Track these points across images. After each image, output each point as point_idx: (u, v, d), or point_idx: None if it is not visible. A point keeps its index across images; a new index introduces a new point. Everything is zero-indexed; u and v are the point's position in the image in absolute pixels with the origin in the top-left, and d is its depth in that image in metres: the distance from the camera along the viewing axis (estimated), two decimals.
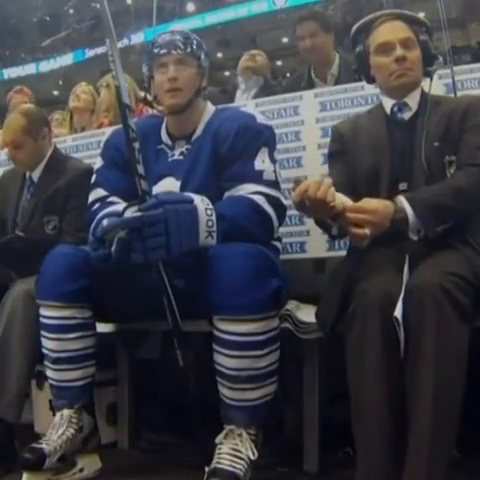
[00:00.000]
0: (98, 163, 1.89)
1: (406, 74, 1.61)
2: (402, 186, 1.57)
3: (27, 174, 2.29)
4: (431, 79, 1.68)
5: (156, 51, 1.77)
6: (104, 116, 3.36)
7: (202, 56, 1.81)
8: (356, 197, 1.62)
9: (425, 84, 1.69)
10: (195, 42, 1.80)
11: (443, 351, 1.25)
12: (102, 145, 1.96)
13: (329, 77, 3.01)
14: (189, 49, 1.77)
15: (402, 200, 1.45)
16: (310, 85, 2.96)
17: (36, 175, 2.27)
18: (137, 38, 14.26)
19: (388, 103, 1.68)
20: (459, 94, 1.96)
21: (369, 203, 1.43)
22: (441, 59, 1.74)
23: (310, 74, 3.04)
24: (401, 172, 1.59)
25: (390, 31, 1.64)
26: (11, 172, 2.42)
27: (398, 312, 1.29)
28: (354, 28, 1.75)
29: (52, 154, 2.29)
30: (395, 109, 1.66)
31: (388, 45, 1.62)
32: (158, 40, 1.79)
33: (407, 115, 1.65)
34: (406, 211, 1.44)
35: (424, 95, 1.66)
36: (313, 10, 3.24)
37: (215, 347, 1.51)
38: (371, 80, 1.75)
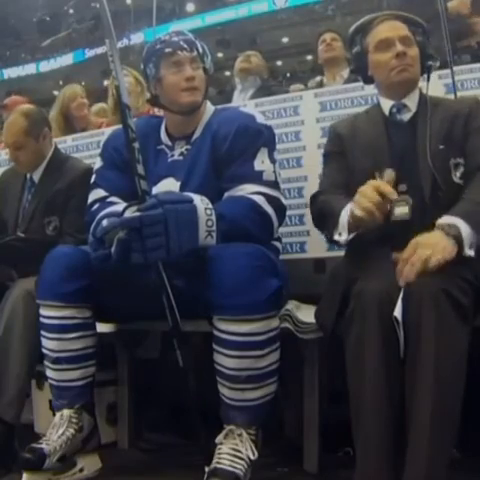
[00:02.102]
0: (97, 163, 1.89)
1: (407, 70, 1.61)
2: (401, 188, 1.55)
3: (28, 175, 2.29)
4: (428, 80, 1.68)
5: (167, 50, 1.75)
6: (112, 113, 3.33)
7: (207, 60, 1.81)
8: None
9: (423, 85, 1.68)
10: (200, 45, 1.80)
11: (443, 351, 1.25)
12: (101, 145, 1.96)
13: (338, 77, 3.09)
14: (196, 51, 1.77)
15: (450, 217, 1.38)
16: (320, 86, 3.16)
17: (37, 176, 2.26)
18: (137, 38, 14.26)
19: (386, 104, 1.67)
20: (459, 94, 1.97)
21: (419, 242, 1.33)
22: (438, 59, 1.73)
23: (322, 80, 3.22)
24: (401, 173, 1.58)
25: (390, 29, 1.65)
26: (11, 172, 2.41)
27: (398, 312, 1.29)
28: (352, 29, 1.75)
29: (53, 154, 2.29)
30: (394, 110, 1.66)
31: (388, 42, 1.62)
32: (166, 40, 1.78)
33: (406, 116, 1.65)
34: (458, 225, 1.35)
35: (423, 96, 1.66)
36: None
37: (215, 347, 1.51)
38: (369, 80, 1.74)
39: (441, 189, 1.52)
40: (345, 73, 3.22)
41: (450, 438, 1.26)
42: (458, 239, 1.34)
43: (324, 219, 1.60)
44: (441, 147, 1.55)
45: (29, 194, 2.27)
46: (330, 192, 1.63)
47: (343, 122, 1.79)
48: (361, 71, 1.74)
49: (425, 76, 1.68)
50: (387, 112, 1.67)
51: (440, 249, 1.31)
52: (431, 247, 1.31)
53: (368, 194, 1.39)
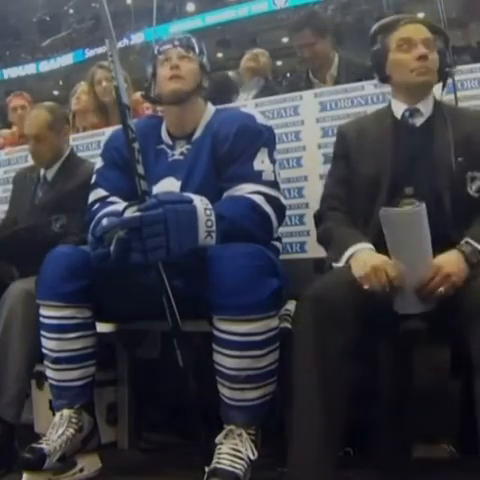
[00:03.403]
0: (98, 164, 1.90)
1: (427, 73, 1.61)
2: (408, 190, 1.56)
3: (41, 173, 2.33)
4: (443, 87, 1.68)
5: (160, 48, 1.81)
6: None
7: (204, 58, 1.84)
8: (356, 201, 1.64)
9: (436, 92, 1.68)
10: (197, 44, 1.83)
11: None
12: (102, 146, 1.96)
13: (328, 78, 3.02)
14: (191, 48, 1.81)
15: (472, 242, 1.43)
16: (308, 86, 2.95)
17: (50, 174, 2.31)
18: (137, 38, 14.26)
19: (399, 107, 1.67)
20: (459, 94, 1.97)
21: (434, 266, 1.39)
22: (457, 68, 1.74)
23: (308, 75, 3.04)
24: (407, 177, 1.58)
25: (413, 30, 1.65)
26: (25, 171, 2.46)
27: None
28: (374, 27, 1.73)
29: (69, 155, 2.35)
30: (407, 114, 1.66)
31: (411, 42, 1.62)
32: (161, 40, 1.83)
33: (418, 121, 1.65)
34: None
35: (436, 102, 1.66)
36: (307, 13, 3.15)
37: (215, 347, 1.51)
38: (385, 79, 1.72)
39: (456, 201, 1.53)
40: (334, 71, 2.99)
41: None
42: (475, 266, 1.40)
43: (329, 248, 1.64)
44: (460, 159, 1.55)
45: (41, 191, 2.32)
46: (334, 217, 1.67)
47: (351, 124, 1.80)
48: (379, 69, 1.72)
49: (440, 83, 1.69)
50: (399, 116, 1.67)
51: (460, 278, 1.37)
52: (456, 274, 1.36)
53: (380, 278, 1.39)
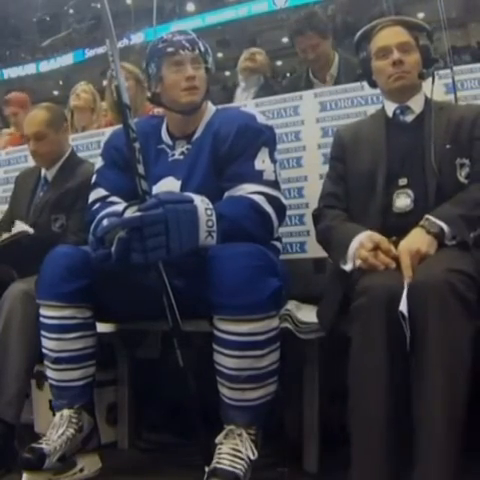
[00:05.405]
0: (98, 163, 1.90)
1: (403, 77, 1.65)
2: (402, 182, 1.60)
3: (42, 173, 2.34)
4: (433, 83, 1.69)
5: (169, 50, 1.74)
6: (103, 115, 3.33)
7: (209, 59, 1.81)
8: (354, 198, 1.67)
9: (427, 89, 1.70)
10: (202, 45, 1.79)
11: (449, 347, 1.24)
12: (102, 145, 1.96)
13: (328, 78, 3.01)
14: (198, 50, 1.77)
15: (430, 218, 1.47)
16: (308, 86, 2.94)
17: (51, 174, 2.31)
18: (137, 38, 14.28)
19: (390, 107, 1.71)
20: (459, 94, 1.98)
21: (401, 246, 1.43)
22: (441, 62, 1.75)
23: (308, 75, 3.03)
24: (400, 170, 1.62)
25: (388, 36, 1.68)
26: (27, 172, 2.47)
27: (403, 307, 1.28)
28: (357, 35, 1.78)
29: (69, 156, 2.34)
30: (398, 112, 1.69)
31: (386, 49, 1.66)
32: (168, 39, 1.77)
33: (409, 118, 1.69)
34: (440, 224, 1.45)
35: (428, 99, 1.69)
36: (307, 14, 3.04)
37: (215, 347, 1.51)
38: (374, 84, 1.77)
39: (445, 187, 1.55)
40: (334, 70, 2.99)
41: (458, 437, 1.22)
42: (439, 235, 1.43)
43: (330, 246, 1.64)
44: (448, 146, 1.58)
45: (41, 191, 2.32)
46: (332, 214, 1.68)
47: (348, 128, 1.82)
48: (367, 76, 1.77)
49: (430, 80, 1.69)
50: (390, 114, 1.71)
51: (429, 247, 1.42)
52: (423, 244, 1.41)
53: (382, 260, 1.42)
